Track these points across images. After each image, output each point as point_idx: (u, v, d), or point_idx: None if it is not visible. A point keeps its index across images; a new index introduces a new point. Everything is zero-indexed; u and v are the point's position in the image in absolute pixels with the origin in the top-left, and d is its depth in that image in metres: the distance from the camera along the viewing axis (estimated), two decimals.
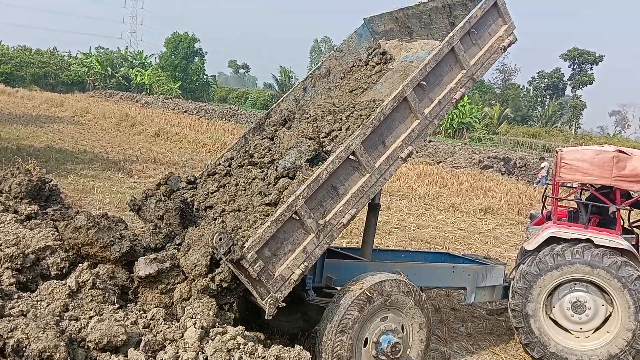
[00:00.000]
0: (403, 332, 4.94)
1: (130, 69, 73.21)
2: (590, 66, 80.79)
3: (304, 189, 4.50)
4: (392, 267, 5.72)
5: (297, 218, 4.51)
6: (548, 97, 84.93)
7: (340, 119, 5.70)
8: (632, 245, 6.40)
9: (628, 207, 6.82)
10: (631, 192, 6.88)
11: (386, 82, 6.31)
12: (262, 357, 3.94)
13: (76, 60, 73.55)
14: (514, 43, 5.71)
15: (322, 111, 6.10)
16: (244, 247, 4.29)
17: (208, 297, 4.46)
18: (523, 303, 6.30)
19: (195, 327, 3.96)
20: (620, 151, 6.44)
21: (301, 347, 4.17)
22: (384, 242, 11.07)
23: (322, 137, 5.49)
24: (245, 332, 4.17)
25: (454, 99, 5.38)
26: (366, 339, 4.80)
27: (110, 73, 70.25)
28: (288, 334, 6.08)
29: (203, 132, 28.05)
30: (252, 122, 39.41)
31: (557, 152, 6.93)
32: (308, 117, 6.12)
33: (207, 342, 3.92)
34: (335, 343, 4.62)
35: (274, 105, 6.80)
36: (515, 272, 6.78)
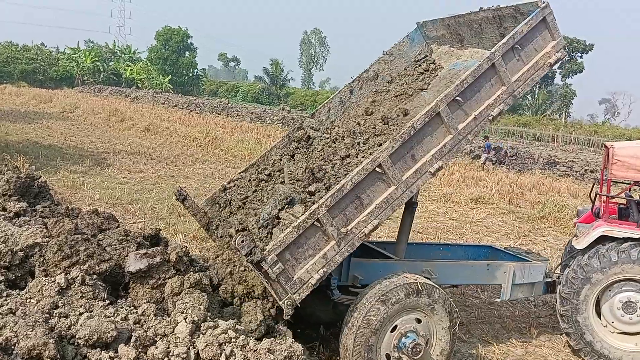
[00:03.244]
0: (426, 346, 4.95)
1: (120, 64, 72.68)
2: (580, 54, 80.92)
3: (328, 198, 4.58)
4: (421, 266, 5.75)
5: (319, 225, 4.59)
6: (537, 85, 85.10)
7: (359, 143, 5.66)
8: None
9: None
10: None
11: (432, 90, 6.22)
12: (254, 350, 3.95)
13: (64, 56, 72.87)
14: (562, 60, 5.49)
15: (344, 130, 6.08)
16: (265, 249, 4.41)
17: (199, 291, 4.48)
18: (572, 309, 6.17)
19: (186, 322, 3.96)
20: None
21: (293, 339, 4.20)
22: (377, 233, 11.08)
23: (313, 176, 5.47)
24: (237, 325, 4.18)
25: (491, 115, 5.21)
26: (396, 326, 4.88)
27: (99, 68, 69.70)
28: (322, 322, 6.15)
29: (193, 126, 27.88)
30: (244, 117, 38.66)
31: (607, 148, 6.71)
32: (328, 138, 6.14)
33: (198, 337, 3.92)
34: (372, 308, 4.75)
35: (320, 106, 6.82)
36: (561, 271, 6.65)
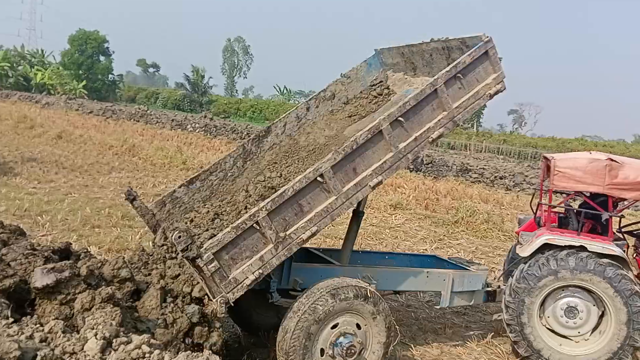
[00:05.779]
0: (359, 354, 5.05)
1: (30, 68, 68.91)
2: None
3: (268, 202, 4.69)
4: (362, 272, 5.92)
5: (258, 227, 4.68)
6: None
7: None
8: (623, 251, 6.53)
9: (620, 215, 7.00)
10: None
11: (382, 113, 6.36)
12: None
13: None
14: (501, 91, 5.80)
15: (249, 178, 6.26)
16: (202, 247, 4.46)
17: (112, 305, 4.32)
18: (526, 288, 6.38)
19: (96, 338, 3.81)
20: (611, 159, 6.55)
21: (210, 352, 4.14)
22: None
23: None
24: (152, 339, 4.07)
25: (431, 137, 5.48)
26: (337, 324, 4.98)
27: (7, 72, 65.75)
28: (265, 327, 6.29)
29: (110, 133, 26.86)
30: (164, 124, 37.51)
31: (547, 159, 7.00)
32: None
33: (110, 353, 3.78)
34: (322, 298, 4.89)
35: (276, 120, 6.91)
36: (504, 280, 6.85)
